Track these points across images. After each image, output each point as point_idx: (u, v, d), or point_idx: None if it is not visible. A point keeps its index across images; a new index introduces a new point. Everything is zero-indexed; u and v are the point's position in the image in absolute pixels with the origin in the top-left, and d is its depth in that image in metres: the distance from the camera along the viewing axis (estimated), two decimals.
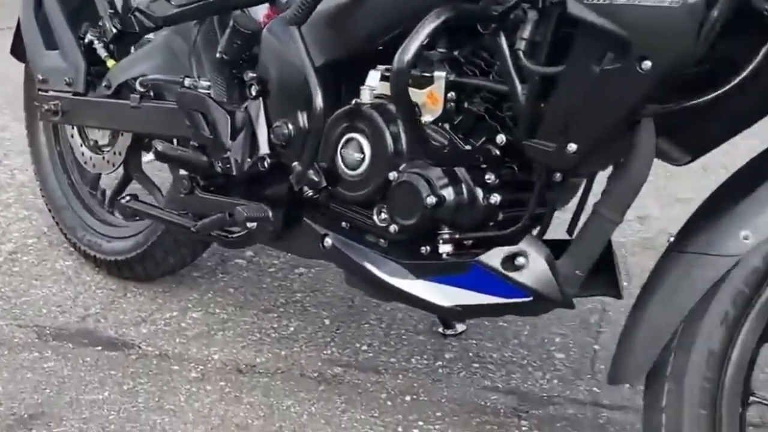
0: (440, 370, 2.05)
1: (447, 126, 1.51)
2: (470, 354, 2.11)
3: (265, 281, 2.48)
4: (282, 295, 2.41)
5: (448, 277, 1.48)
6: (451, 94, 1.50)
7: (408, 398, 1.94)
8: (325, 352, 2.12)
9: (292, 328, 2.23)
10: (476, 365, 2.06)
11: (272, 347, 2.14)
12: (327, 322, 2.27)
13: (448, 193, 1.45)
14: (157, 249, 2.26)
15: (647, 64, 1.17)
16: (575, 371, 2.02)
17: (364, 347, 2.15)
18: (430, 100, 1.51)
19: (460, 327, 2.19)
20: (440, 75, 1.49)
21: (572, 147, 1.29)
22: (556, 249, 1.42)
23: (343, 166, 1.58)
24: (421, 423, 1.86)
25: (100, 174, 2.51)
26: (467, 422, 1.86)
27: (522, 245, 1.42)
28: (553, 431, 1.83)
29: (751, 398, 1.23)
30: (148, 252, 2.28)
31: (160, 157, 1.77)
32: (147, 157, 1.92)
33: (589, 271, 1.43)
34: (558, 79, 1.29)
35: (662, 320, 1.20)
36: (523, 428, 1.84)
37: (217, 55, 1.86)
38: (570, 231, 1.53)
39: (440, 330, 2.19)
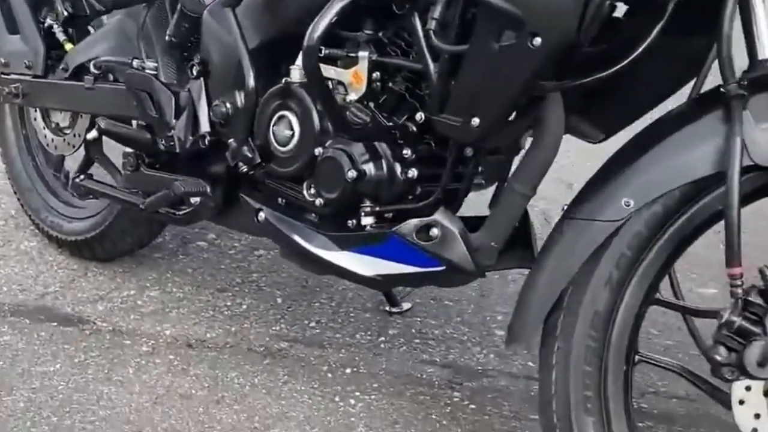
0: (382, 345, 2.14)
1: (372, 104, 1.60)
2: (413, 330, 2.20)
3: (224, 262, 2.58)
4: (239, 275, 2.50)
5: (370, 248, 1.58)
6: (376, 74, 1.59)
7: (348, 370, 2.03)
8: (274, 328, 2.22)
9: (244, 306, 2.32)
10: (417, 341, 2.15)
11: (223, 324, 2.23)
12: (279, 300, 2.36)
13: (369, 168, 1.54)
14: (114, 229, 2.35)
15: (537, 40, 1.26)
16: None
17: (312, 324, 2.24)
18: (355, 79, 1.60)
19: (405, 305, 2.28)
20: (364, 55, 1.58)
21: (476, 121, 1.38)
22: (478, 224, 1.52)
23: (275, 143, 1.68)
24: (358, 393, 1.95)
25: (63, 156, 2.60)
26: (402, 393, 1.95)
27: (435, 217, 1.51)
28: (484, 401, 1.92)
29: (637, 357, 1.32)
30: (105, 232, 2.37)
31: (104, 133, 1.86)
32: (91, 134, 2.01)
33: (507, 245, 1.52)
34: (463, 56, 1.38)
35: (552, 283, 1.30)
36: (455, 399, 1.93)
37: (166, 37, 1.95)
38: (491, 206, 1.62)
39: (386, 308, 2.28)
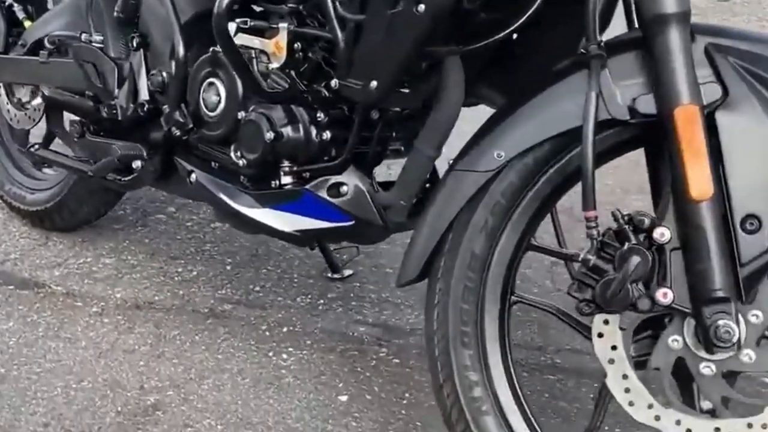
0: (320, 307, 2.29)
1: (293, 72, 1.75)
2: (351, 294, 2.35)
3: (180, 233, 2.73)
4: (193, 245, 2.65)
5: (288, 205, 1.73)
6: (297, 45, 1.74)
7: (285, 329, 2.19)
8: (220, 292, 2.37)
9: (194, 273, 2.48)
10: (354, 303, 2.31)
11: (172, 288, 2.38)
12: (228, 268, 2.51)
13: (286, 130, 1.69)
14: (71, 198, 2.51)
15: (422, 6, 1.41)
16: None
17: (257, 288, 2.39)
18: (276, 49, 1.75)
19: (347, 272, 2.43)
20: (283, 26, 1.73)
21: (374, 84, 1.53)
22: None
23: (204, 108, 1.83)
24: (291, 349, 2.10)
25: (28, 131, 2.75)
26: (333, 349, 2.10)
27: (345, 175, 1.66)
28: (409, 357, 2.07)
29: (513, 297, 1.47)
30: (63, 201, 2.53)
31: (48, 101, 2.02)
32: (36, 101, 2.16)
33: (420, 205, 1.67)
34: (363, 24, 1.53)
35: (433, 228, 1.45)
36: (381, 354, 2.08)
37: (114, 13, 2.11)
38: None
39: (328, 275, 2.43)
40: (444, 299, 1.43)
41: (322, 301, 2.31)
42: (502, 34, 1.48)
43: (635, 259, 1.29)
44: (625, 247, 1.30)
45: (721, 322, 1.27)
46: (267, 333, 2.17)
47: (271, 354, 2.08)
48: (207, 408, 1.88)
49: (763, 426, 1.31)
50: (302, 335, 2.16)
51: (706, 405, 1.37)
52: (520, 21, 1.46)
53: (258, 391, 1.94)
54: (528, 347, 2.09)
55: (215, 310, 2.26)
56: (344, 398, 1.91)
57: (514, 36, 1.68)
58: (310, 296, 2.34)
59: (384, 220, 1.64)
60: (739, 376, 1.38)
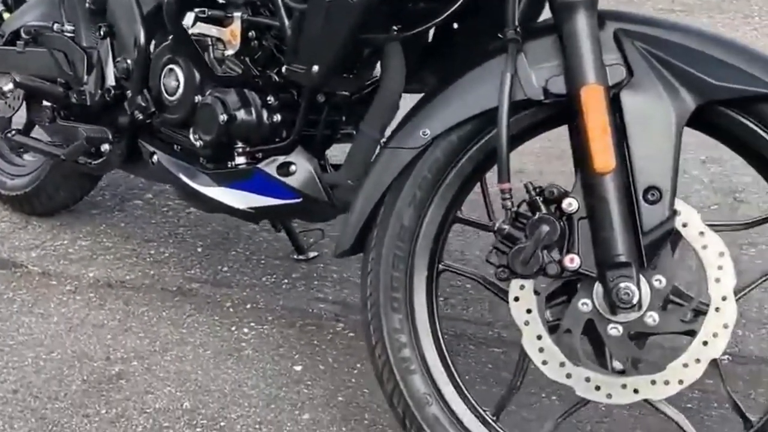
0: (284, 286, 2.42)
1: (248, 59, 1.88)
2: (314, 274, 2.48)
3: (155, 218, 2.86)
4: (167, 229, 2.78)
5: (240, 183, 1.86)
6: (252, 33, 1.87)
7: (248, 306, 2.32)
8: (189, 272, 2.50)
9: (166, 254, 2.61)
10: (316, 282, 2.44)
11: (144, 268, 2.52)
12: (199, 249, 2.64)
13: (238, 113, 1.83)
14: (48, 183, 2.65)
15: None
16: None
17: (225, 269, 2.53)
18: (231, 36, 1.88)
19: (312, 254, 2.56)
20: (237, 15, 1.86)
21: (315, 68, 1.67)
22: None
23: (165, 93, 1.96)
24: (252, 324, 2.23)
25: (9, 119, 2.89)
26: (292, 324, 2.23)
27: (293, 156, 1.80)
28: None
29: (441, 266, 1.60)
30: (41, 186, 2.67)
31: (19, 87, 2.15)
32: (7, 86, 2.30)
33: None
34: (306, 12, 1.67)
35: (366, 200, 1.58)
36: (338, 329, 2.21)
37: (86, 4, 2.24)
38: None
39: (294, 256, 2.56)
40: (376, 267, 1.56)
41: (286, 281, 2.44)
42: (434, 22, 1.61)
43: (545, 228, 1.41)
44: (536, 216, 1.42)
45: (622, 285, 1.40)
46: (231, 309, 2.30)
47: (233, 329, 2.21)
48: (168, 377, 2.01)
49: (666, 382, 1.44)
50: (264, 311, 2.29)
51: (618, 366, 1.49)
52: (452, 9, 1.58)
53: (218, 361, 2.07)
54: (478, 322, 2.22)
55: (183, 288, 2.39)
56: (299, 368, 2.04)
57: (455, 25, 1.81)
58: (275, 276, 2.47)
59: (331, 198, 1.77)
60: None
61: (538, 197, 1.43)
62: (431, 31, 1.83)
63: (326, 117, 1.85)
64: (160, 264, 2.54)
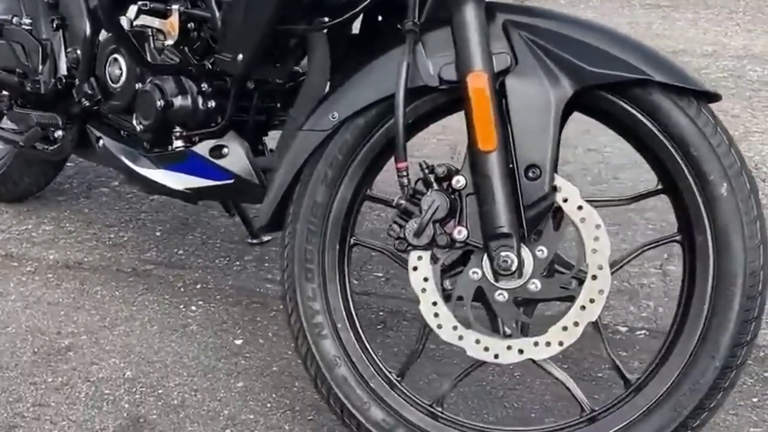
0: (235, 268, 2.62)
1: (186, 48, 2.08)
2: (266, 257, 2.68)
3: (119, 204, 3.07)
4: (129, 214, 2.99)
5: (177, 165, 2.06)
6: (191, 24, 2.07)
7: (199, 286, 2.52)
8: (145, 254, 2.70)
9: (125, 238, 2.81)
10: (267, 264, 2.63)
11: (102, 251, 2.72)
12: (158, 234, 2.84)
13: (175, 99, 2.02)
14: (14, 170, 2.85)
15: None
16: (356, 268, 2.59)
17: (180, 252, 2.73)
18: (170, 28, 2.08)
19: (265, 238, 2.75)
20: (175, 8, 2.06)
21: (240, 57, 1.86)
22: None
23: (110, 81, 2.16)
24: (200, 302, 2.43)
25: None
26: (239, 302, 2.43)
27: (225, 139, 1.99)
28: None
29: (352, 239, 1.79)
30: (6, 173, 2.87)
31: None
32: None
33: None
34: (231, 4, 1.86)
35: (282, 180, 1.77)
36: (282, 307, 2.40)
37: None
38: None
39: (249, 240, 2.76)
40: (292, 241, 1.75)
41: (238, 263, 2.64)
42: (350, 14, 1.80)
43: (436, 203, 1.60)
44: (428, 192, 1.61)
45: (503, 254, 1.59)
46: (182, 289, 2.49)
47: (181, 306, 2.41)
48: (114, 350, 2.21)
49: (547, 344, 1.62)
50: (213, 291, 2.49)
51: (509, 330, 1.68)
52: (364, 4, 1.77)
53: (163, 336, 2.27)
54: (413, 300, 2.40)
55: (138, 269, 2.60)
56: (239, 342, 2.24)
57: (379, 18, 2.01)
58: (227, 258, 2.67)
59: (262, 180, 1.96)
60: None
61: (430, 175, 1.62)
62: (358, 23, 2.02)
63: (260, 104, 2.03)
64: (118, 247, 2.74)
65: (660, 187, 1.66)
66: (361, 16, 1.90)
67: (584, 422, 1.65)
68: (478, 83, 1.57)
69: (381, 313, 2.35)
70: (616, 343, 2.20)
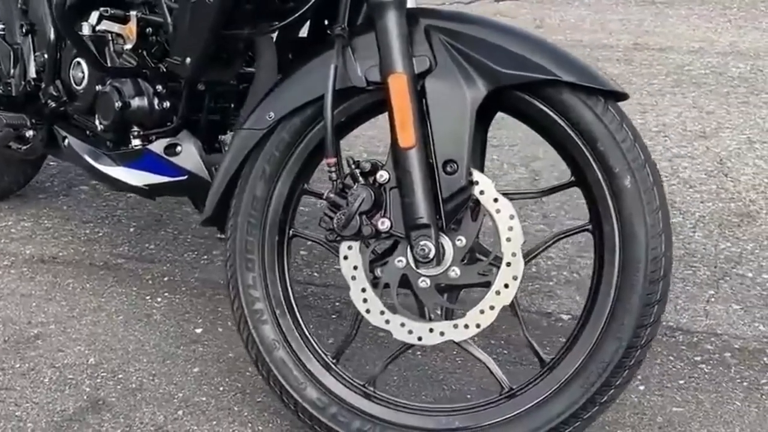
0: (203, 262, 2.79)
1: (145, 52, 2.25)
2: None
3: (97, 202, 3.25)
4: (106, 211, 3.16)
5: (135, 163, 2.23)
6: (148, 30, 2.24)
7: (166, 279, 2.69)
8: (118, 249, 2.88)
9: (100, 234, 2.99)
10: None
11: (77, 246, 2.90)
12: (131, 230, 3.02)
13: (132, 100, 2.19)
14: None
15: None
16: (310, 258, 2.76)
17: (151, 246, 2.90)
18: (129, 33, 2.26)
19: None
20: (133, 14, 2.23)
21: (188, 60, 2.03)
22: None
23: (73, 84, 2.34)
24: (166, 294, 2.60)
25: None
26: (203, 294, 2.60)
27: (179, 138, 2.16)
28: None
29: (291, 231, 1.96)
30: None
31: None
32: None
33: None
34: (178, 10, 2.03)
35: (224, 177, 1.93)
36: None
37: (18, 5, 2.63)
38: None
39: (219, 235, 2.93)
40: (234, 233, 1.92)
41: (206, 257, 2.81)
42: (291, 18, 1.97)
43: (361, 196, 1.77)
44: (355, 186, 1.78)
45: (422, 243, 1.75)
46: (149, 282, 2.67)
47: (147, 298, 2.58)
48: (80, 338, 2.38)
49: (466, 326, 1.78)
50: (180, 283, 2.66)
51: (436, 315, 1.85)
52: (307, 6, 1.94)
53: (128, 325, 2.44)
54: None
55: (109, 263, 2.77)
56: (199, 330, 2.41)
57: (326, 22, 2.18)
58: (196, 252, 2.84)
59: (213, 175, 2.13)
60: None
61: (357, 170, 1.78)
62: (306, 27, 2.19)
63: (213, 104, 2.20)
64: (92, 242, 2.92)
65: (573, 179, 1.81)
66: (309, 20, 2.06)
67: (504, 399, 1.81)
68: (398, 84, 1.73)
69: (337, 304, 2.51)
70: (558, 330, 2.36)
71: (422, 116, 1.76)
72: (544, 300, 2.50)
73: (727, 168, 3.46)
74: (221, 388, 2.14)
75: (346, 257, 1.82)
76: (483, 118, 1.84)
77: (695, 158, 3.59)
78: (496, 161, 3.50)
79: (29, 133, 2.52)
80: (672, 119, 4.06)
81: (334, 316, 2.44)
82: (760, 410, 2.03)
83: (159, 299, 2.56)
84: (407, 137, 1.73)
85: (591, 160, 1.74)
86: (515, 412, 1.78)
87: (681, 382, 2.14)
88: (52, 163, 3.42)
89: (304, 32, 2.21)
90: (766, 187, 3.27)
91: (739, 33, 5.80)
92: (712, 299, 2.50)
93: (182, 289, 2.62)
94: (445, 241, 1.77)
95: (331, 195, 1.78)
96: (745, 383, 2.13)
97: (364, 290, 1.81)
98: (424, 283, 1.78)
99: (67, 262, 2.77)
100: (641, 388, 2.12)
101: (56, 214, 3.11)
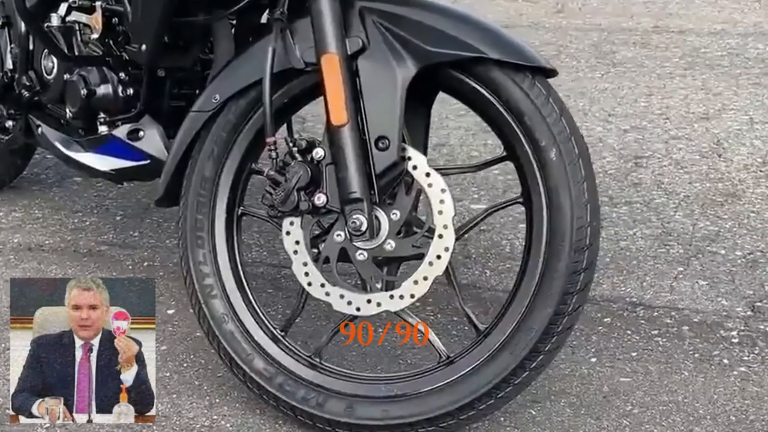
0: None
1: (111, 41, 2.44)
2: None
3: (88, 192, 3.45)
4: (95, 202, 3.36)
5: (101, 148, 2.42)
6: (115, 19, 2.43)
7: (146, 264, 2.88)
8: (103, 236, 3.07)
9: (87, 223, 3.19)
10: None
11: (63, 234, 3.10)
12: (118, 218, 3.22)
13: (97, 88, 2.38)
14: None
15: None
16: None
17: (135, 234, 3.09)
18: (95, 23, 2.45)
19: None
20: (99, 4, 2.42)
21: (144, 47, 2.22)
22: None
23: (45, 74, 2.54)
24: (145, 275, 2.79)
25: None
26: (179, 277, 2.77)
27: (141, 122, 2.35)
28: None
29: (241, 209, 2.13)
30: None
31: None
32: None
33: None
34: None
35: (174, 158, 2.12)
36: None
37: None
38: None
39: None
40: (185, 212, 2.10)
41: None
42: (243, 3, 2.14)
43: (298, 173, 1.93)
44: (292, 164, 1.95)
45: (354, 217, 1.91)
46: (130, 267, 2.86)
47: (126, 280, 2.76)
48: None
49: (401, 297, 1.94)
50: (159, 268, 2.85)
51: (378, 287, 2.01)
52: None
53: None
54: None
55: (93, 250, 2.97)
56: (171, 312, 2.59)
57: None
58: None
59: None
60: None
61: (294, 148, 1.95)
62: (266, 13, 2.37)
63: (177, 90, 2.38)
64: (79, 231, 3.11)
65: (505, 154, 1.96)
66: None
67: (443, 365, 1.96)
68: (330, 64, 1.90)
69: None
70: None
71: (355, 95, 1.91)
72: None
73: (722, 149, 3.58)
74: (185, 365, 2.32)
75: (288, 233, 1.99)
76: (425, 98, 1.99)
77: (692, 140, 3.70)
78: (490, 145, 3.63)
79: (8, 124, 2.71)
80: (676, 101, 4.17)
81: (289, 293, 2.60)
82: (706, 379, 2.16)
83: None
84: (339, 115, 1.89)
85: (519, 134, 1.89)
86: (451, 378, 1.93)
87: (634, 354, 2.27)
88: (48, 156, 3.63)
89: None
90: (758, 166, 3.38)
91: (766, 13, 5.86)
92: (680, 276, 2.63)
93: (160, 273, 2.80)
94: (380, 214, 1.92)
95: (271, 172, 1.94)
96: (696, 354, 2.26)
97: (305, 264, 1.98)
98: (361, 256, 1.94)
99: (53, 250, 2.96)
100: (593, 360, 2.25)
101: (47, 205, 3.31)
